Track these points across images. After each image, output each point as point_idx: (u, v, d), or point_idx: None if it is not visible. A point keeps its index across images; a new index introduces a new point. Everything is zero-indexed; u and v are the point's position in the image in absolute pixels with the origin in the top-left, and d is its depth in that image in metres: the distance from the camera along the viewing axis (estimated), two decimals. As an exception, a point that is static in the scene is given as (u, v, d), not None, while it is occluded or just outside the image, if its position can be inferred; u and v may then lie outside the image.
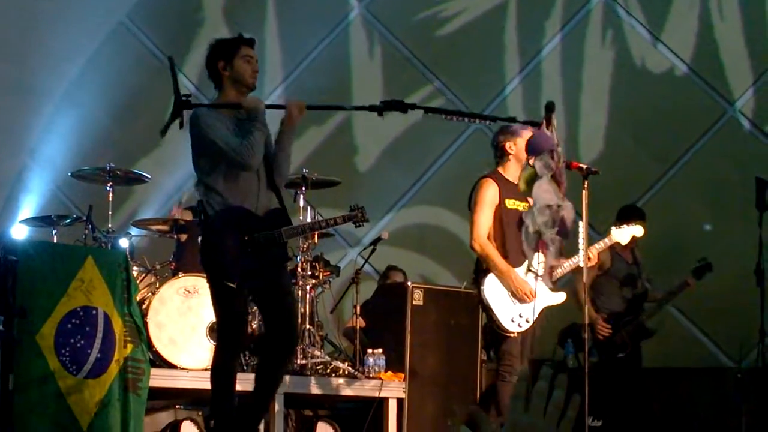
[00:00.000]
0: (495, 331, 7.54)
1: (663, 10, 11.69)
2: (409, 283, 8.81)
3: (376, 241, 9.44)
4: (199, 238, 6.39)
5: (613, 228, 8.05)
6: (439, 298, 8.76)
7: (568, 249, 6.86)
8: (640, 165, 11.11)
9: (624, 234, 8.02)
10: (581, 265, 7.27)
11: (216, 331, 6.79)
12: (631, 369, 9.11)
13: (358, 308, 9.16)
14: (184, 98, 6.18)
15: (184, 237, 9.02)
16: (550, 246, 6.28)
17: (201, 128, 6.21)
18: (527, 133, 7.38)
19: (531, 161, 6.37)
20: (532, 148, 6.37)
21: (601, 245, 7.87)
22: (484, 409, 7.34)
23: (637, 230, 8.10)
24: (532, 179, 6.42)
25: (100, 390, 6.54)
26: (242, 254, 6.18)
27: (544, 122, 6.30)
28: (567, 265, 7.45)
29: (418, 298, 8.64)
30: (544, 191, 6.27)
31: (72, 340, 6.48)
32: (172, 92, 6.11)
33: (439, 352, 8.66)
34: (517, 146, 7.42)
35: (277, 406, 7.75)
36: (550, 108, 6.32)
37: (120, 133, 12.31)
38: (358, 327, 8.99)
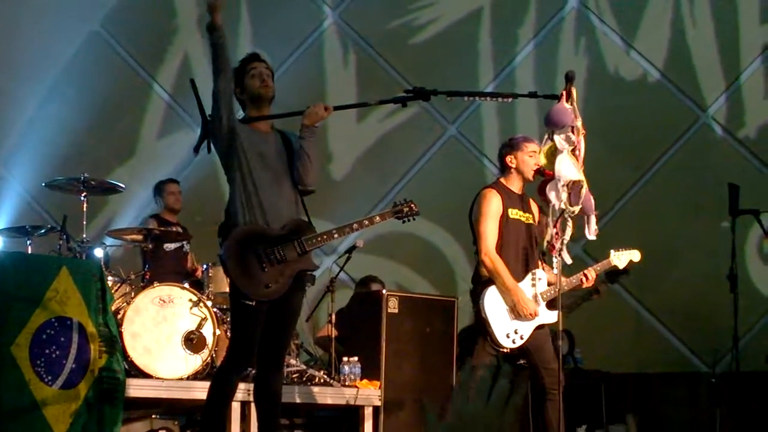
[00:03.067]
0: (474, 337, 7.52)
1: (636, 17, 11.76)
2: (384, 291, 8.81)
3: (351, 250, 9.44)
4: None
5: (612, 251, 7.94)
6: (415, 306, 8.76)
7: (567, 269, 6.81)
8: (613, 172, 11.16)
9: (622, 258, 7.91)
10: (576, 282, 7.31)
11: (228, 344, 6.68)
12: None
13: (333, 317, 9.17)
14: (210, 117, 6.17)
15: (149, 247, 9.03)
16: (568, 224, 6.26)
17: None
18: (529, 146, 7.36)
19: (551, 134, 6.33)
20: (551, 122, 6.34)
21: (597, 268, 7.72)
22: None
23: (634, 255, 7.99)
24: (552, 154, 6.39)
25: (76, 400, 6.51)
26: (257, 271, 6.13)
27: (564, 94, 6.29)
28: (566, 283, 7.38)
29: (393, 306, 8.64)
30: (566, 167, 6.25)
31: (47, 351, 6.46)
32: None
33: (415, 360, 8.66)
34: (517, 159, 7.34)
35: (253, 415, 7.74)
36: (570, 78, 6.28)
37: (94, 143, 12.28)
38: (333, 335, 9.00)
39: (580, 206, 6.30)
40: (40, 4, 12.10)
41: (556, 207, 6.31)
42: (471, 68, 12.10)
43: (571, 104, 6.29)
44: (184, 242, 9.76)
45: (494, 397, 2.20)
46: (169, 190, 10.09)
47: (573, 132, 6.30)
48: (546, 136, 6.44)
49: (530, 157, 7.33)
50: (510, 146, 7.45)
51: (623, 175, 11.39)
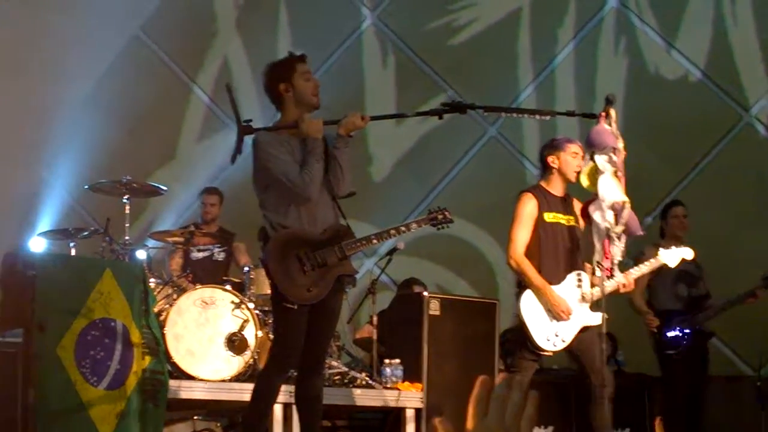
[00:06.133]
0: (517, 342, 7.51)
1: (676, 16, 11.69)
2: (425, 293, 8.79)
3: (392, 252, 9.40)
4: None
5: (661, 249, 7.84)
6: (456, 308, 8.74)
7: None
8: (655, 172, 11.09)
9: (672, 256, 7.68)
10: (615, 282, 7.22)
11: (271, 347, 6.73)
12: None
13: (375, 318, 9.15)
14: (245, 123, 6.16)
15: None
16: (616, 243, 6.24)
17: (261, 157, 6.19)
18: (571, 146, 7.29)
19: (590, 155, 6.32)
20: (591, 143, 6.31)
21: (645, 268, 7.58)
22: None
23: (686, 253, 7.82)
24: (594, 174, 6.38)
25: (120, 401, 6.55)
26: (299, 275, 6.16)
27: (603, 115, 6.28)
28: (610, 284, 7.24)
29: (434, 307, 8.61)
30: (609, 188, 6.23)
31: (92, 352, 6.49)
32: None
33: (457, 362, 8.63)
34: (560, 160, 7.26)
35: (294, 417, 7.74)
36: (609, 101, 6.27)
37: (136, 146, 12.33)
38: (375, 337, 8.98)
39: (624, 226, 6.28)
40: (81, 10, 12.16)
41: (601, 227, 6.28)
42: (510, 69, 12.06)
43: (610, 125, 6.27)
44: (216, 250, 9.73)
45: (510, 410, 2.21)
46: (202, 199, 10.11)
47: (615, 153, 6.28)
48: (587, 157, 6.43)
49: (573, 158, 7.26)
50: (552, 147, 7.39)
51: (666, 176, 11.31)
